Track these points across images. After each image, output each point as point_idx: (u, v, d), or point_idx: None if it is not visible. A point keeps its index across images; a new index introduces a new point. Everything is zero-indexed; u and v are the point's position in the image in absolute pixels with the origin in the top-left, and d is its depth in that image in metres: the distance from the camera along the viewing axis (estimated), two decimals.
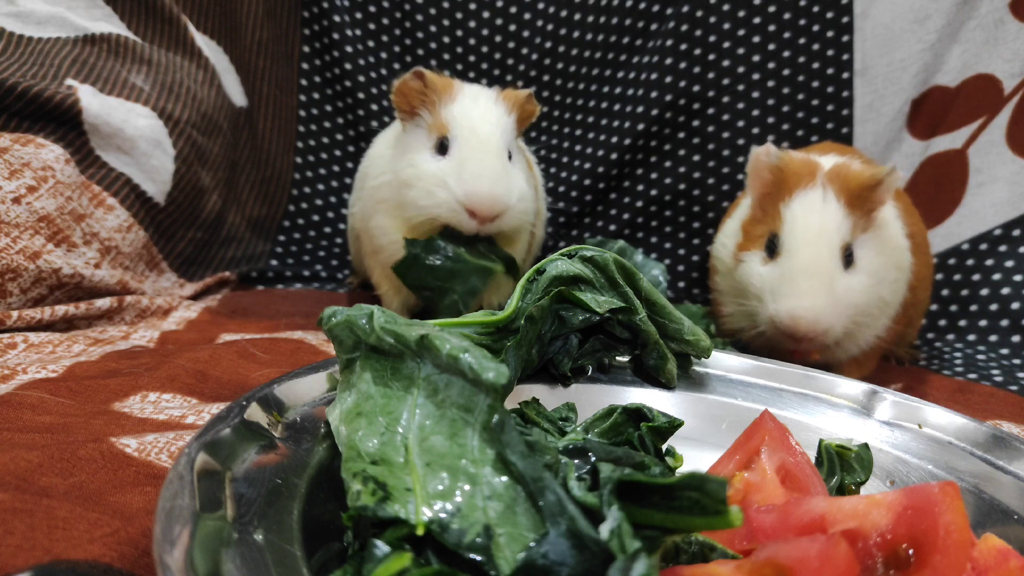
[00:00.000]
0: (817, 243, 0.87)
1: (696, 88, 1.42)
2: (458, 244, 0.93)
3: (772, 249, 0.91)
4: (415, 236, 0.94)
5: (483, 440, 0.38)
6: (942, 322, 1.26)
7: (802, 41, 1.38)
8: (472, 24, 1.56)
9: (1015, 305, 1.19)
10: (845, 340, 0.93)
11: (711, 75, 1.41)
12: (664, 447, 0.50)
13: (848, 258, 0.89)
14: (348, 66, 1.53)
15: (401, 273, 0.94)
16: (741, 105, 1.41)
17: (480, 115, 0.93)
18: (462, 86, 0.97)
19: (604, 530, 0.32)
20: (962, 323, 1.24)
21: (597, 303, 0.53)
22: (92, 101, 1.09)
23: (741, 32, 1.40)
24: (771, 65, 1.39)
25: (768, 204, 0.94)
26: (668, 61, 1.42)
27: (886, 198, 0.91)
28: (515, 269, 0.98)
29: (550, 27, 1.53)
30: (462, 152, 0.90)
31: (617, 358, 0.59)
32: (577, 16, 1.52)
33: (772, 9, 1.39)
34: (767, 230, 0.93)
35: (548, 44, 1.54)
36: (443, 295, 0.94)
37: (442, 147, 0.93)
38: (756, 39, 1.40)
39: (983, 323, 1.22)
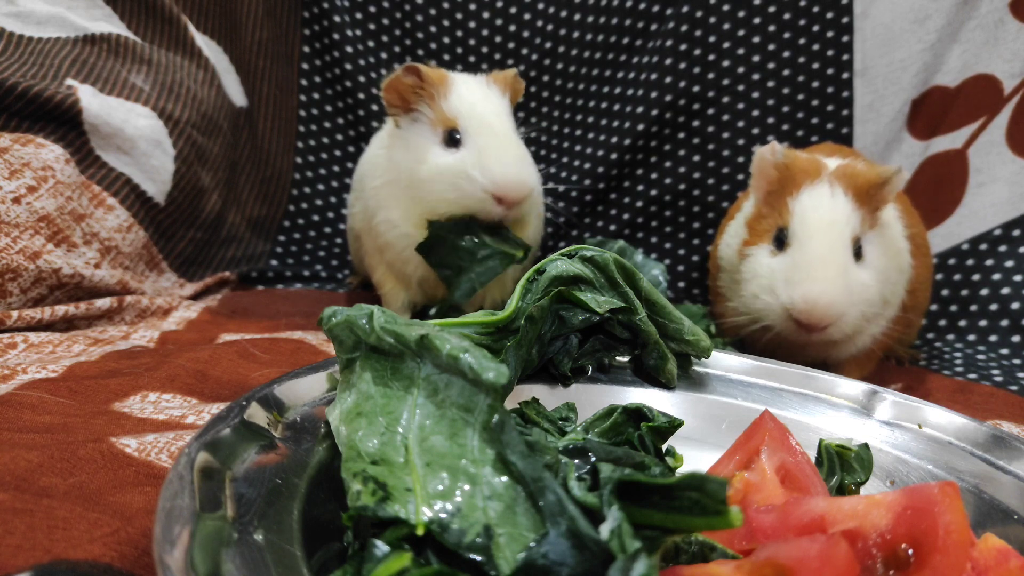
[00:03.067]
0: (829, 232, 0.87)
1: (696, 88, 1.41)
2: (479, 231, 0.95)
3: (781, 241, 0.91)
4: None
5: (483, 440, 0.38)
6: (942, 322, 1.26)
7: (802, 41, 1.38)
8: (472, 24, 1.56)
9: (1015, 305, 1.19)
10: (846, 339, 0.92)
11: (711, 75, 1.41)
12: (664, 447, 0.50)
13: (858, 251, 0.89)
14: (348, 66, 1.53)
15: (424, 252, 0.95)
16: (741, 105, 1.41)
17: (484, 103, 0.94)
18: (454, 77, 0.97)
19: (604, 530, 0.32)
20: (962, 323, 1.24)
21: (597, 303, 0.53)
22: (92, 101, 1.09)
23: (741, 32, 1.40)
24: (771, 65, 1.39)
25: (774, 200, 0.93)
26: (668, 61, 1.42)
27: (891, 197, 0.91)
28: (529, 256, 0.99)
29: (550, 27, 1.53)
30: (479, 142, 0.91)
31: (617, 358, 0.59)
32: (577, 16, 1.52)
33: (772, 9, 1.39)
34: (774, 224, 0.92)
35: (548, 44, 1.54)
36: (461, 274, 0.95)
37: (451, 140, 0.93)
38: (756, 39, 1.40)
39: (983, 323, 1.22)
